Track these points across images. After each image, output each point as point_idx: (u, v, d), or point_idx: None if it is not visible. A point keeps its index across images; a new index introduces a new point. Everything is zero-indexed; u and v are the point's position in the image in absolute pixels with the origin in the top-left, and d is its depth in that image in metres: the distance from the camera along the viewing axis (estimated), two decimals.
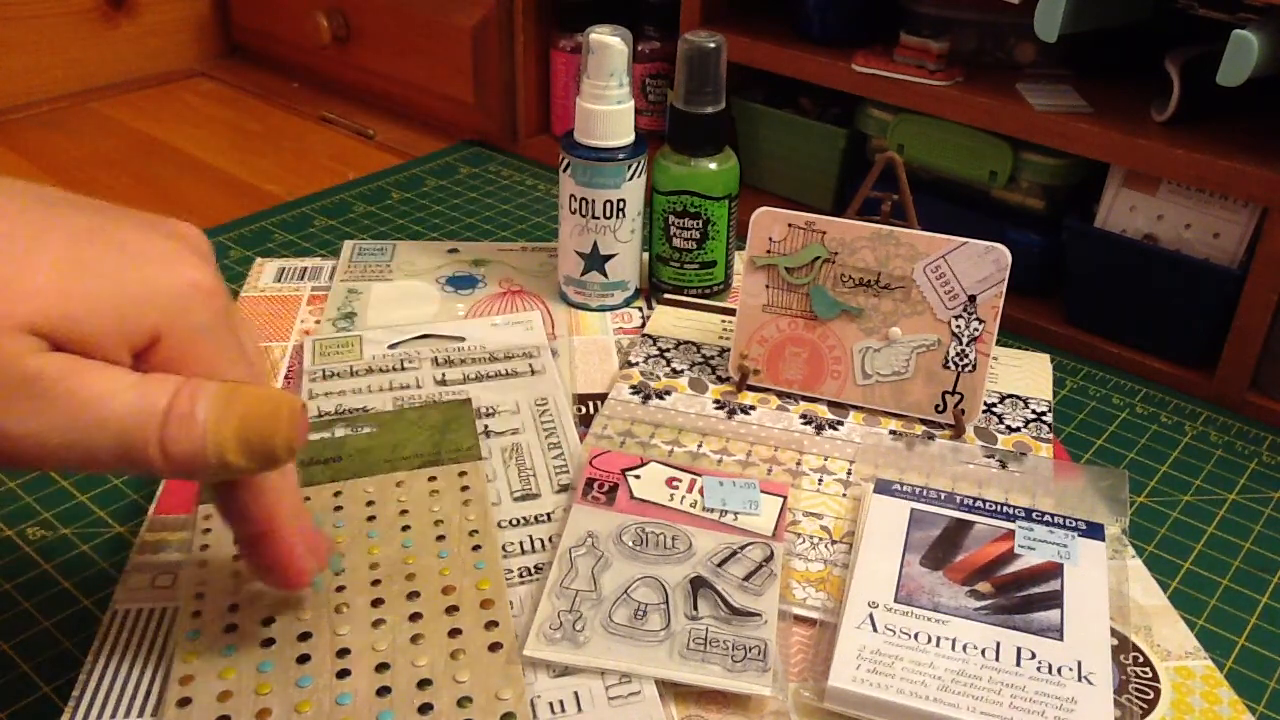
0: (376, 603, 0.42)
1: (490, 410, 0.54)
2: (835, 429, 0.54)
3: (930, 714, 0.38)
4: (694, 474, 0.49)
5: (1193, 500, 0.53)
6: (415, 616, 0.41)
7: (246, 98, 1.02)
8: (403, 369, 0.57)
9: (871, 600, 0.43)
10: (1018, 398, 0.57)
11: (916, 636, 0.41)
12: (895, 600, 0.43)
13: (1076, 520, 0.47)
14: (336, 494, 0.47)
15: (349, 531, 0.45)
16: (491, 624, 0.41)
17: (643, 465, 0.49)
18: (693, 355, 0.60)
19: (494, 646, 0.40)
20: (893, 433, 0.54)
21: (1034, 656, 0.41)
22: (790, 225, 0.55)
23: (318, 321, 0.62)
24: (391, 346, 0.59)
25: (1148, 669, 0.42)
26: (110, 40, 1.02)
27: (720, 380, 0.58)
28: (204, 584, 0.42)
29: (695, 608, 0.42)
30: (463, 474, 0.49)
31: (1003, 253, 0.52)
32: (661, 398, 0.56)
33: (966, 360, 0.53)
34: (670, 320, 0.63)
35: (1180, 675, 0.42)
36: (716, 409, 0.55)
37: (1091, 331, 0.66)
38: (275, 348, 0.59)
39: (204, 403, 0.32)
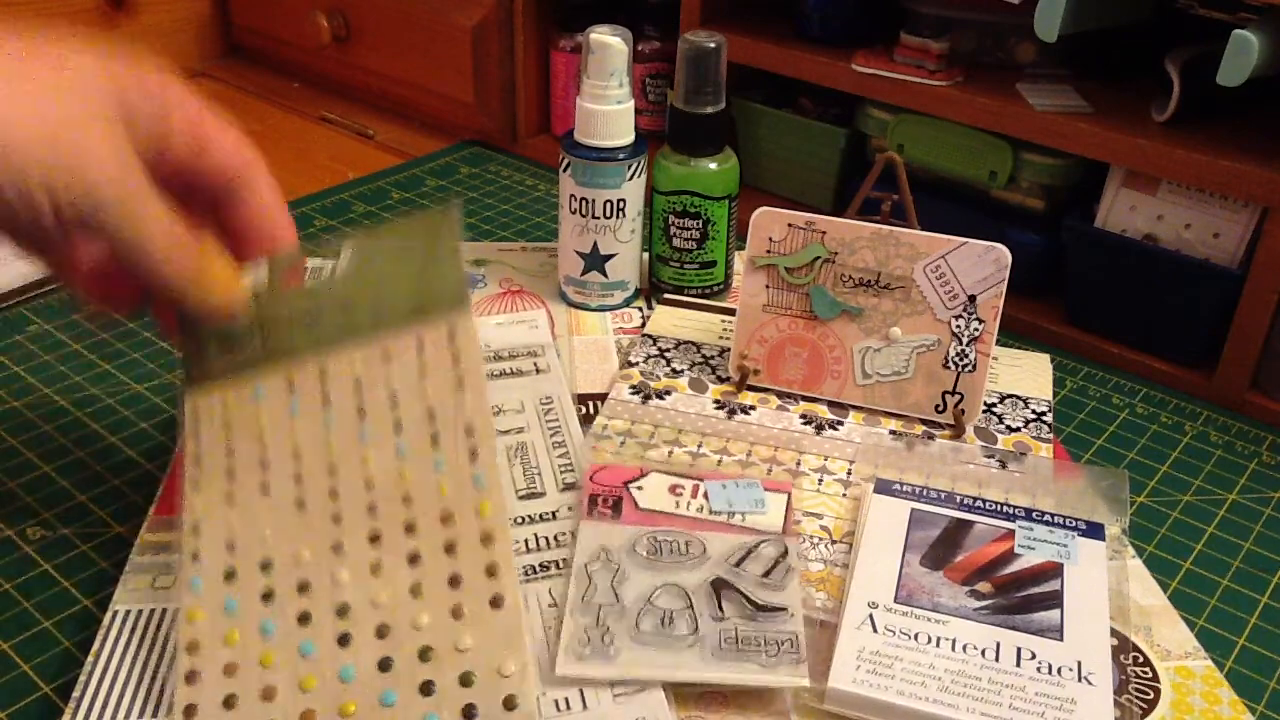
0: (374, 539, 0.41)
1: (495, 409, 0.54)
2: (835, 429, 0.54)
3: (930, 715, 0.38)
4: (695, 479, 0.49)
5: (1193, 500, 0.53)
6: (414, 559, 0.40)
7: (246, 98, 1.02)
8: None
9: (871, 601, 0.43)
10: (1018, 398, 0.57)
11: (916, 637, 0.41)
12: (895, 600, 0.43)
13: (1076, 520, 0.47)
14: (321, 373, 0.44)
15: (341, 432, 0.43)
16: (491, 569, 0.40)
17: (643, 476, 0.49)
18: (693, 355, 0.60)
19: (495, 601, 0.39)
20: (893, 433, 0.54)
21: (1034, 657, 0.41)
22: (790, 225, 0.55)
23: None
24: None
25: (1148, 669, 0.42)
26: (110, 40, 1.02)
27: (720, 380, 0.58)
28: (200, 520, 0.42)
29: (720, 609, 0.42)
30: (452, 337, 0.44)
31: (1003, 253, 0.52)
32: (661, 398, 0.56)
33: (966, 360, 0.53)
34: (670, 320, 0.63)
35: (1180, 675, 0.42)
36: (716, 409, 0.55)
37: (1091, 331, 0.66)
38: None
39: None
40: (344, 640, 0.39)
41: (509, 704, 0.37)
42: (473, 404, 0.43)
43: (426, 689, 0.38)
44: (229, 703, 0.38)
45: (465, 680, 0.38)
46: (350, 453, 0.42)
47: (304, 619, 0.39)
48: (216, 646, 0.39)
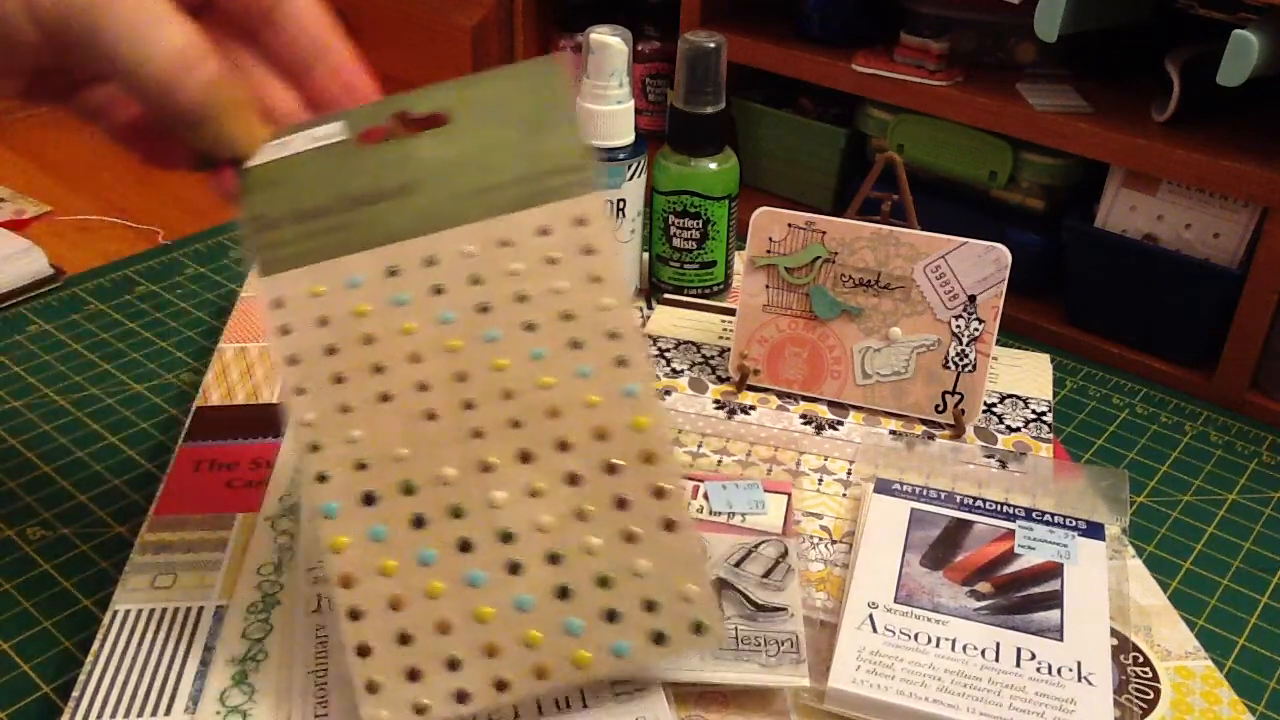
0: (525, 457, 0.37)
1: None
2: (835, 429, 0.54)
3: (930, 715, 0.38)
4: (695, 480, 0.49)
5: (1193, 500, 0.53)
6: (574, 480, 0.37)
7: None
8: None
9: (871, 601, 0.43)
10: (1018, 398, 0.57)
11: (916, 637, 0.41)
12: (895, 600, 0.43)
13: (1076, 520, 0.47)
14: (429, 261, 0.38)
15: (462, 332, 0.38)
16: (660, 492, 0.37)
17: None
18: (693, 355, 0.60)
19: (668, 524, 0.37)
20: (893, 433, 0.54)
21: (1034, 657, 0.41)
22: (790, 225, 0.55)
23: None
24: None
25: (1148, 669, 0.42)
26: None
27: (720, 380, 0.58)
28: (319, 436, 0.37)
29: (721, 609, 0.42)
30: (581, 221, 0.38)
31: (1003, 253, 0.52)
32: (661, 398, 0.56)
33: (966, 360, 0.53)
34: (670, 320, 0.63)
35: (1180, 675, 0.42)
36: (716, 409, 0.55)
37: (1091, 331, 0.66)
38: None
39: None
40: (514, 568, 0.36)
41: (697, 629, 0.36)
42: (614, 302, 0.38)
43: (611, 616, 0.36)
44: (403, 639, 0.36)
45: (649, 606, 0.36)
46: (478, 357, 0.38)
47: (465, 546, 0.36)
48: (374, 579, 0.36)
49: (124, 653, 0.40)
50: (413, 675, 0.36)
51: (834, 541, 0.47)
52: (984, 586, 0.44)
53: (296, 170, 0.37)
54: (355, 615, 0.36)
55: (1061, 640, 0.41)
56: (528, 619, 0.36)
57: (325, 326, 0.38)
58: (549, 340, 0.38)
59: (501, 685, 0.36)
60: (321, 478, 0.37)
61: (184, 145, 0.35)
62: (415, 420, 0.37)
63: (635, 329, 0.38)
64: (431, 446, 0.37)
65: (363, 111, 0.38)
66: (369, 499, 0.37)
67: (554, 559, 0.36)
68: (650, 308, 0.65)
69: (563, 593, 0.36)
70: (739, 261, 0.65)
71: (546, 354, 0.38)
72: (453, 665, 0.36)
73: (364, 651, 0.36)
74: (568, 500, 0.37)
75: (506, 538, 0.37)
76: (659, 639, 0.36)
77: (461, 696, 0.36)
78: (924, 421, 0.55)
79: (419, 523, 0.37)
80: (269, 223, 0.38)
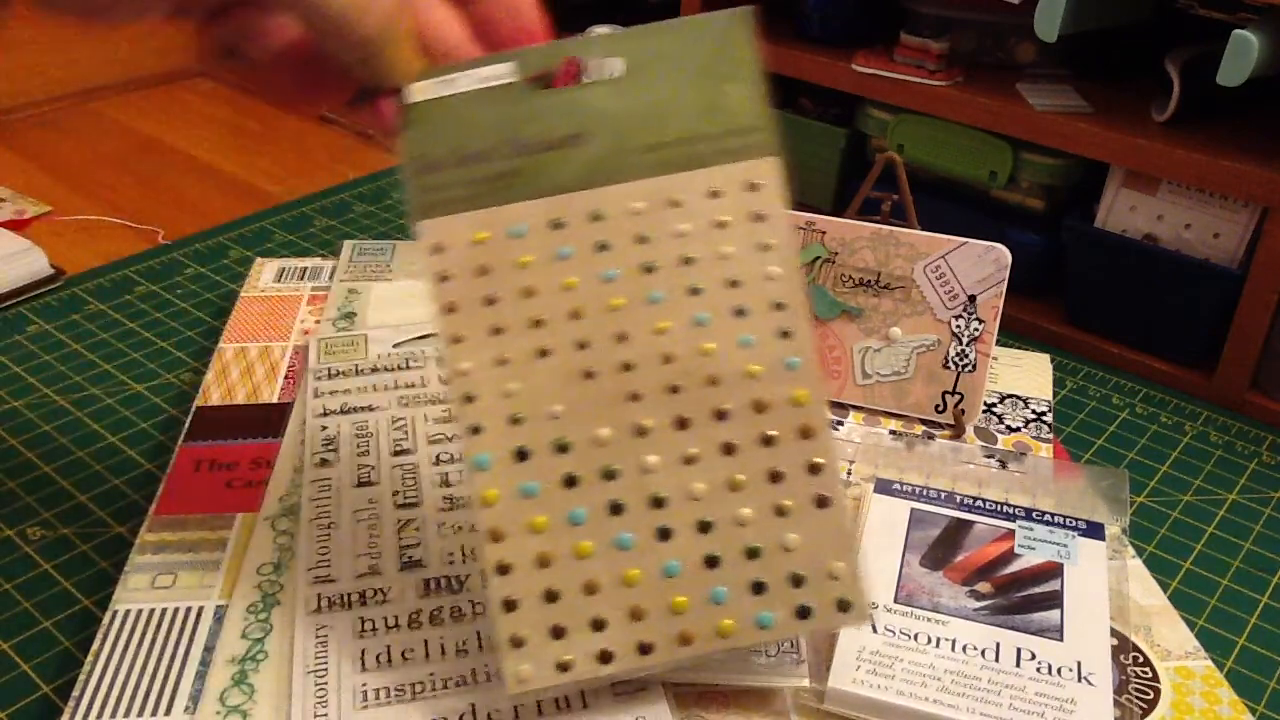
0: (682, 424, 0.37)
1: None
2: (835, 429, 0.54)
3: (930, 715, 0.38)
4: None
5: (1193, 500, 0.53)
6: (729, 450, 0.37)
7: (246, 98, 1.02)
8: (408, 368, 0.57)
9: (871, 601, 0.43)
10: (1018, 398, 0.57)
11: (916, 637, 0.41)
12: (895, 601, 0.43)
13: (1076, 520, 0.47)
14: (596, 217, 0.37)
15: (626, 291, 0.37)
16: (814, 468, 0.37)
17: None
18: None
19: (820, 501, 0.37)
20: (893, 433, 0.54)
21: (1034, 657, 0.41)
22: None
23: (318, 321, 0.62)
24: (396, 346, 0.59)
25: (1148, 669, 0.42)
26: (110, 40, 1.02)
27: None
28: (475, 388, 0.37)
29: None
30: (754, 186, 0.38)
31: (1003, 253, 0.52)
32: None
33: (966, 360, 0.53)
34: None
35: (1180, 675, 0.42)
36: None
37: (1091, 331, 0.66)
38: (275, 348, 0.59)
39: None
40: (664, 534, 0.36)
41: (842, 606, 0.36)
42: (781, 272, 0.38)
43: (758, 588, 0.36)
44: (550, 597, 0.36)
45: (796, 580, 0.36)
46: (641, 319, 0.37)
47: (615, 509, 0.36)
48: (524, 535, 0.36)
49: (124, 653, 0.40)
50: (557, 633, 0.36)
51: None
52: (984, 586, 0.44)
53: (462, 111, 0.37)
54: (503, 569, 0.36)
55: (1061, 640, 0.41)
56: (674, 585, 0.36)
57: (485, 276, 0.37)
58: (713, 306, 0.37)
59: (645, 648, 0.36)
60: (475, 429, 0.37)
61: (341, 78, 0.35)
62: (572, 378, 0.37)
63: (801, 301, 0.37)
64: (587, 406, 0.37)
65: (534, 53, 0.37)
66: (522, 454, 0.37)
67: (704, 527, 0.37)
68: None
69: (711, 561, 0.36)
70: None
71: (709, 320, 0.37)
72: (598, 625, 0.36)
73: (510, 606, 0.36)
74: (722, 470, 0.37)
75: (658, 503, 0.37)
76: (803, 613, 0.36)
77: (605, 657, 0.36)
78: (924, 421, 0.55)
79: (570, 482, 0.37)
80: (430, 164, 0.37)
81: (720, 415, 0.37)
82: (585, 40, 0.38)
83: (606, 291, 0.37)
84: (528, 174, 0.37)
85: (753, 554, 0.37)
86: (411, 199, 0.37)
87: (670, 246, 0.37)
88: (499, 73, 0.37)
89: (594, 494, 0.37)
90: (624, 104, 0.37)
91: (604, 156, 0.37)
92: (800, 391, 0.37)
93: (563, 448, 0.37)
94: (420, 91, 0.36)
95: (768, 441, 0.37)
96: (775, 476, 0.37)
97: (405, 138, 0.37)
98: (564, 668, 0.36)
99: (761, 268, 0.37)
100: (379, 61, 0.34)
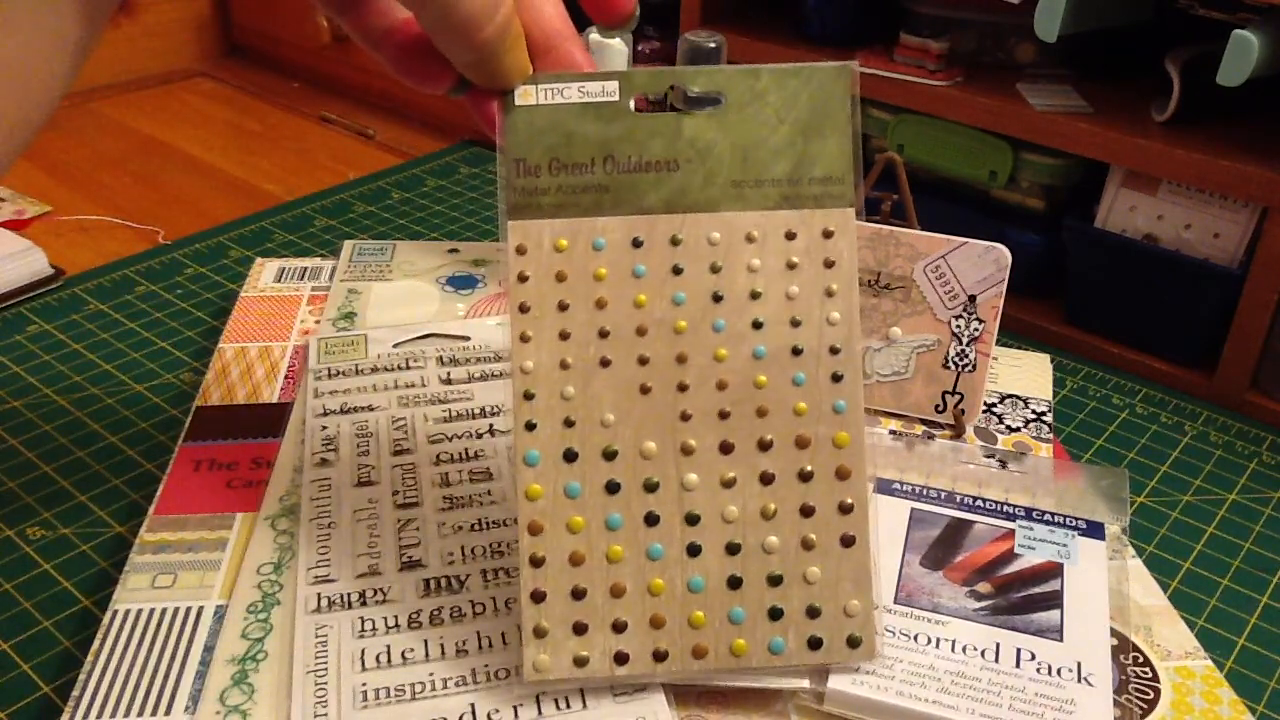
0: (726, 449, 0.39)
1: (495, 410, 0.54)
2: None
3: (930, 716, 0.38)
4: None
5: (1193, 500, 0.53)
6: (767, 480, 0.39)
7: (246, 98, 1.02)
8: (408, 368, 0.57)
9: (878, 633, 0.43)
10: (1018, 398, 0.57)
11: (916, 638, 0.41)
12: (895, 601, 0.43)
13: (1077, 520, 0.47)
14: (674, 241, 0.39)
15: (692, 311, 0.39)
16: (846, 508, 0.39)
17: None
18: None
19: (847, 540, 0.38)
20: (893, 433, 0.54)
21: (1034, 657, 0.41)
22: None
23: (318, 321, 0.62)
24: (396, 346, 0.59)
25: (1148, 669, 0.42)
26: (110, 40, 1.02)
27: None
28: (535, 386, 0.38)
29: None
30: (828, 234, 0.40)
31: (1003, 253, 0.52)
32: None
33: (966, 360, 0.53)
34: None
35: (1180, 675, 0.42)
36: None
37: (1091, 331, 0.66)
38: (275, 348, 0.59)
39: None
40: (694, 550, 0.38)
41: (853, 643, 0.38)
42: (842, 319, 0.40)
43: (775, 614, 0.38)
44: (577, 594, 0.38)
45: (812, 612, 0.38)
46: (701, 344, 0.39)
47: (651, 520, 0.38)
48: (560, 532, 0.38)
49: (124, 653, 0.40)
50: (579, 629, 0.38)
51: None
52: (984, 587, 0.44)
53: (564, 121, 0.38)
54: (536, 562, 0.38)
55: (1061, 640, 0.41)
56: (696, 600, 0.38)
57: (562, 282, 0.39)
58: (772, 341, 0.39)
59: (660, 656, 0.38)
60: (530, 425, 0.38)
61: (444, 66, 0.36)
62: (629, 391, 0.39)
63: (856, 350, 0.39)
64: (639, 419, 0.39)
65: (640, 76, 0.39)
66: (570, 456, 0.38)
67: (732, 549, 0.38)
68: None
69: (734, 583, 0.38)
70: None
71: (767, 354, 0.39)
72: (618, 628, 0.38)
73: (538, 597, 0.38)
74: (757, 498, 0.39)
75: (692, 520, 0.38)
76: (815, 644, 0.38)
77: (621, 658, 0.38)
78: (924, 421, 0.55)
79: (613, 488, 0.38)
80: (528, 168, 0.38)
81: (764, 446, 0.39)
82: (694, 71, 0.39)
83: (674, 314, 0.39)
84: (617, 191, 0.39)
85: (775, 581, 0.38)
86: (505, 197, 0.39)
87: (740, 279, 0.39)
88: (603, 90, 0.38)
89: (633, 503, 0.38)
90: (720, 138, 0.39)
91: (692, 185, 0.39)
92: (842, 435, 0.39)
93: (610, 455, 0.38)
94: (527, 96, 0.37)
95: (805, 477, 0.39)
96: (807, 511, 0.39)
97: (508, 139, 0.38)
98: (580, 663, 0.38)
99: (824, 311, 0.39)
100: (494, 64, 0.35)
